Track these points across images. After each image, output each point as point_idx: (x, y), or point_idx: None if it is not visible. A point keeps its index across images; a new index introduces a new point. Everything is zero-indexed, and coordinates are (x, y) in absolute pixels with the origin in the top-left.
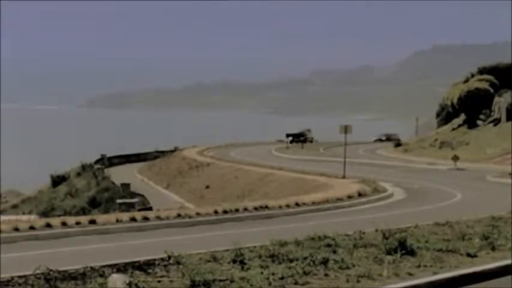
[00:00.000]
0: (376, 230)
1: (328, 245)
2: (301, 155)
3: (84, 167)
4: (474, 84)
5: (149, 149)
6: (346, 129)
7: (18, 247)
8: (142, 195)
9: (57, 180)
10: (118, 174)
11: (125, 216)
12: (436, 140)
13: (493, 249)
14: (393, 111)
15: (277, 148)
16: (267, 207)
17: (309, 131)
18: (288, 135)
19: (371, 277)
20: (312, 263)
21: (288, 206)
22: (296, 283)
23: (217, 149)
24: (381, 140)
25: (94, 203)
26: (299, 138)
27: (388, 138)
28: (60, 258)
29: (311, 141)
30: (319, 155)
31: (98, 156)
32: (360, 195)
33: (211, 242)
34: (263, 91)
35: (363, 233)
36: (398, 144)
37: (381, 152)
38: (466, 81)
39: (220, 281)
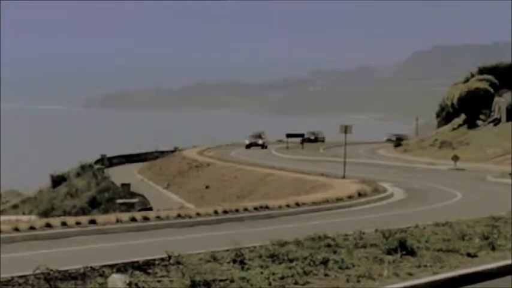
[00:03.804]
0: (376, 230)
1: (328, 245)
2: (301, 155)
3: (83, 167)
4: (474, 84)
5: (149, 149)
6: (346, 129)
7: (18, 247)
8: (143, 196)
9: (57, 181)
10: (118, 175)
11: (125, 216)
12: (436, 140)
13: (493, 249)
14: (393, 111)
15: (277, 148)
16: (267, 207)
17: (263, 133)
18: (288, 136)
19: (371, 277)
20: (312, 263)
21: (288, 206)
22: (296, 283)
23: (217, 149)
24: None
25: (94, 203)
26: (258, 142)
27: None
28: (60, 258)
29: (266, 147)
30: (319, 155)
31: (98, 157)
32: (360, 195)
33: (211, 242)
34: (263, 91)
35: (363, 233)
36: (398, 144)
37: (381, 152)
38: (466, 81)
39: (220, 281)
